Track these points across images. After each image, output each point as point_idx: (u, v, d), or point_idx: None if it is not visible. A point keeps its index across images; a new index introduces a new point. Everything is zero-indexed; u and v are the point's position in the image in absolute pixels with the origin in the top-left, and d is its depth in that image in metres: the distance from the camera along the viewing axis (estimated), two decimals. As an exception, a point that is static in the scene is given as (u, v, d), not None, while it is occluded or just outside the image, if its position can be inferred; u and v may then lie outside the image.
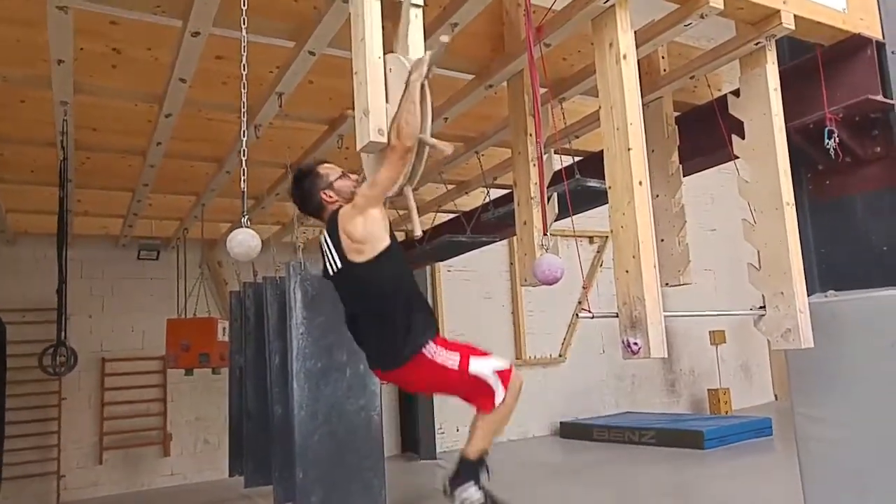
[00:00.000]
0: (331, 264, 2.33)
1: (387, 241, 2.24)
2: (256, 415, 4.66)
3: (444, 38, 1.92)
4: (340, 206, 2.30)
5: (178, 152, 4.49)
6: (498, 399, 2.26)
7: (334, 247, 2.30)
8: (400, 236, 6.59)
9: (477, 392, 2.28)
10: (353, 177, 2.44)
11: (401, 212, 5.49)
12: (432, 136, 2.02)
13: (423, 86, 1.95)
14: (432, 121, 2.01)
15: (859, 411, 3.07)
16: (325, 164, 2.48)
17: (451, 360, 2.24)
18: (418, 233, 2.27)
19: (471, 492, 2.25)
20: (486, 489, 2.28)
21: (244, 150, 2.39)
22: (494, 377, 2.27)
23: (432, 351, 2.23)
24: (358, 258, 2.23)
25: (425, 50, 2.04)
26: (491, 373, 2.27)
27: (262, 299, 4.45)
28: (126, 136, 4.28)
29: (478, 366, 2.27)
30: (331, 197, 2.37)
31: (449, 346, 2.28)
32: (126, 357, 7.14)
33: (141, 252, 7.16)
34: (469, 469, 2.28)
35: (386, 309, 2.26)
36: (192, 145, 4.49)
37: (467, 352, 2.28)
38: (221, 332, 5.95)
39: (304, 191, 2.43)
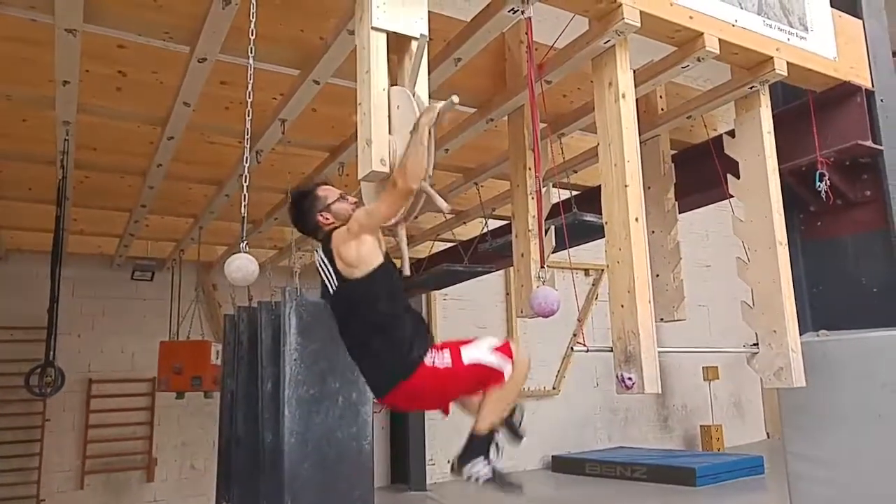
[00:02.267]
0: (329, 283, 2.35)
1: (380, 259, 2.26)
2: (246, 441, 4.59)
3: (455, 98, 1.98)
4: (335, 227, 2.33)
5: (177, 174, 4.51)
6: (507, 374, 2.22)
7: (329, 265, 2.32)
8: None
9: (484, 378, 2.24)
10: (351, 199, 2.46)
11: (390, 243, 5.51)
12: (434, 167, 2.06)
13: (431, 132, 1.98)
14: (434, 151, 2.05)
15: (851, 451, 3.07)
16: (324, 186, 2.50)
17: (445, 360, 2.20)
18: (406, 272, 2.28)
19: (479, 467, 2.21)
20: (494, 465, 2.24)
21: (246, 176, 2.41)
22: (495, 356, 2.23)
23: (431, 359, 2.21)
24: (352, 276, 2.25)
25: (430, 89, 2.09)
26: (488, 353, 2.23)
27: (256, 324, 4.42)
28: (127, 156, 4.30)
29: (470, 353, 2.23)
30: (327, 219, 2.39)
31: (440, 347, 2.26)
32: (114, 378, 7.03)
33: (135, 272, 7.11)
34: (478, 444, 2.24)
35: (385, 324, 2.25)
36: (192, 168, 4.51)
37: (456, 346, 2.26)
38: (215, 356, 5.90)
39: (302, 211, 2.45)
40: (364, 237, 2.21)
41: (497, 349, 2.25)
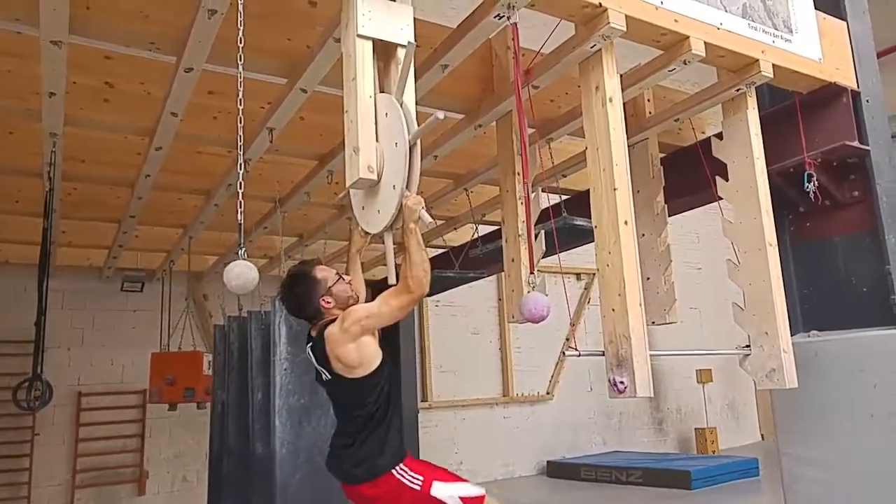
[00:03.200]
0: (322, 373, 2.32)
1: (380, 358, 2.23)
2: (237, 452, 4.56)
3: (440, 115, 1.97)
4: (332, 320, 2.27)
5: (166, 185, 4.49)
6: None
7: (322, 363, 2.28)
8: (380, 274, 6.62)
9: None
10: (347, 279, 2.41)
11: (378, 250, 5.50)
12: (422, 173, 2.05)
13: (412, 147, 1.95)
14: (422, 159, 2.05)
15: (845, 452, 3.07)
16: (320, 267, 2.43)
17: (415, 481, 2.18)
18: (392, 280, 2.27)
19: None
20: None
21: (241, 184, 2.40)
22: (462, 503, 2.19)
23: (400, 471, 2.19)
24: (350, 375, 2.21)
25: (417, 96, 2.08)
26: (457, 498, 2.20)
27: (246, 334, 4.40)
28: (115, 167, 4.27)
29: (441, 490, 2.20)
30: (329, 303, 2.33)
31: (415, 467, 2.23)
32: (104, 391, 6.97)
33: (125, 284, 7.07)
34: None
35: (368, 424, 2.23)
36: (180, 178, 4.48)
37: (432, 475, 2.23)
38: (207, 366, 5.86)
39: (301, 297, 2.38)
40: (363, 339, 2.17)
41: (464, 499, 2.21)
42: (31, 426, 6.53)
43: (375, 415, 2.23)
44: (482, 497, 2.26)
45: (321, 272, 2.39)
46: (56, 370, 6.34)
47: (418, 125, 1.99)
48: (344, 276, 2.41)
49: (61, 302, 6.83)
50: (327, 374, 2.28)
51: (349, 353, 2.18)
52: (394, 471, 2.18)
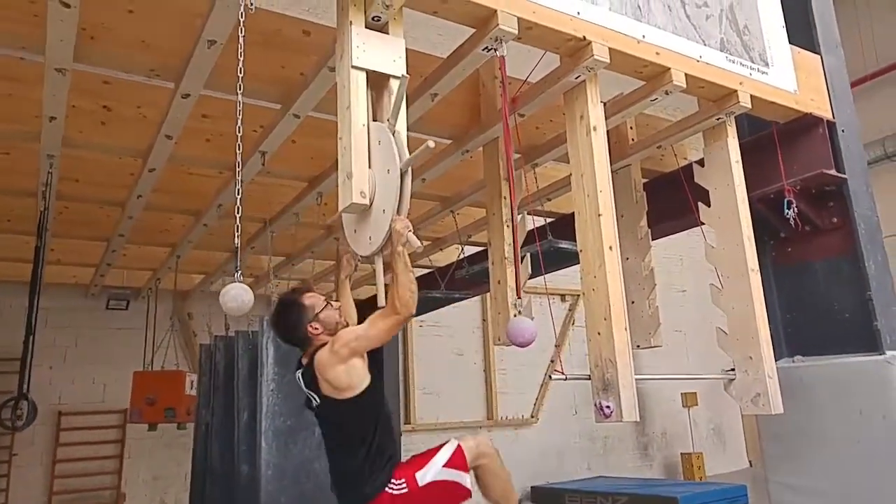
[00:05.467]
0: (311, 398, 2.35)
1: (368, 380, 2.26)
2: (221, 473, 4.51)
3: (431, 144, 2.03)
4: (322, 345, 2.31)
5: (156, 205, 4.51)
6: (466, 483, 2.22)
7: (311, 388, 2.31)
8: (364, 294, 6.61)
9: (446, 495, 2.24)
10: (335, 304, 2.45)
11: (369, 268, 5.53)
12: (412, 195, 2.11)
13: (404, 174, 2.01)
14: (411, 181, 2.10)
15: (832, 479, 3.07)
16: (308, 294, 2.47)
17: (402, 487, 2.21)
18: (381, 303, 2.31)
19: None
20: None
21: (238, 208, 2.45)
22: (448, 471, 2.24)
23: (391, 486, 2.22)
24: (340, 396, 2.25)
25: (408, 122, 2.14)
26: (441, 469, 2.24)
27: (232, 353, 4.38)
28: (107, 188, 4.30)
29: (424, 475, 2.24)
30: (317, 329, 2.37)
31: (397, 474, 2.26)
32: (84, 411, 6.86)
33: (110, 302, 7.01)
34: None
35: (361, 447, 2.25)
36: (170, 198, 4.51)
37: (410, 470, 2.26)
38: (189, 386, 5.80)
39: (289, 323, 2.42)
40: (352, 361, 2.21)
41: (448, 462, 2.26)
42: (10, 446, 6.41)
43: (367, 436, 2.26)
44: (459, 447, 2.29)
45: (309, 299, 2.42)
46: (37, 389, 6.18)
47: (409, 153, 2.05)
48: (332, 303, 2.45)
49: (45, 320, 6.73)
50: (316, 398, 2.30)
51: (338, 375, 2.21)
52: (388, 489, 2.21)
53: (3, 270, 6.16)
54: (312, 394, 2.31)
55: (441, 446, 2.35)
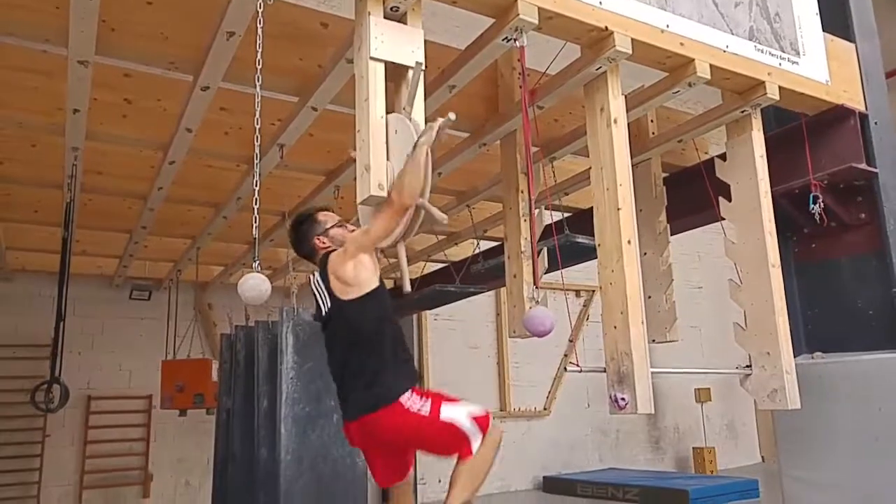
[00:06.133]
0: (322, 303, 2.38)
1: (375, 283, 2.29)
2: (241, 458, 4.59)
3: (452, 116, 2.03)
4: (332, 251, 2.38)
5: (177, 197, 4.57)
6: (475, 445, 2.20)
7: (324, 284, 2.36)
8: (388, 284, 6.66)
9: (452, 441, 2.21)
10: (350, 227, 2.50)
11: (391, 260, 5.55)
12: (432, 189, 2.11)
13: (427, 151, 2.03)
14: (432, 171, 2.10)
15: (849, 476, 3.05)
16: (324, 211, 2.56)
17: (423, 407, 2.19)
18: (407, 289, 2.31)
19: None
20: None
21: (256, 200, 2.50)
22: (470, 423, 2.22)
23: (408, 399, 2.19)
24: (346, 296, 2.27)
25: (425, 115, 2.14)
26: (465, 418, 2.22)
27: (252, 343, 4.43)
28: (129, 180, 4.37)
29: (450, 412, 2.21)
30: (323, 243, 2.45)
31: (422, 394, 2.24)
32: (112, 395, 7.05)
33: (133, 292, 7.16)
34: None
35: (372, 349, 2.26)
36: (190, 190, 4.57)
37: (438, 399, 2.24)
38: (216, 373, 5.94)
39: (300, 235, 2.51)
40: (361, 257, 2.25)
41: (475, 418, 2.24)
42: (43, 427, 6.62)
43: (375, 342, 2.26)
44: (488, 415, 2.29)
45: (322, 216, 2.52)
46: (67, 374, 6.37)
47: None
48: (348, 225, 2.50)
49: (73, 308, 6.91)
50: (327, 298, 2.33)
51: (346, 270, 2.25)
52: (403, 399, 2.18)
53: (30, 261, 6.34)
54: (324, 293, 2.34)
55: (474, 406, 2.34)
